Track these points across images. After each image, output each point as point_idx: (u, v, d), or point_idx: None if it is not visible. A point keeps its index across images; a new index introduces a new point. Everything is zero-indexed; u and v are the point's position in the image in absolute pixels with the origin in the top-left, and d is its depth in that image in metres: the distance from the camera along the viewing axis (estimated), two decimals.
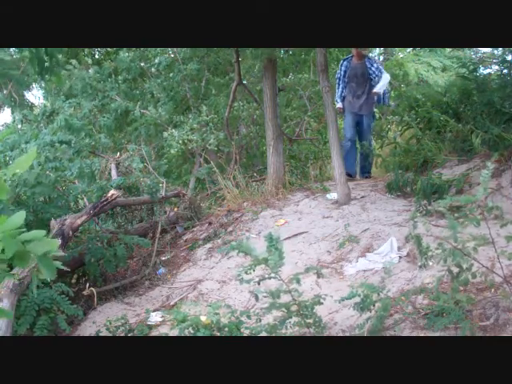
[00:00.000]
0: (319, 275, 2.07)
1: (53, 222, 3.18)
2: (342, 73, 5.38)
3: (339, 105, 5.43)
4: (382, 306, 1.94)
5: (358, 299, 1.98)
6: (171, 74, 6.36)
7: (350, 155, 5.40)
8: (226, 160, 6.24)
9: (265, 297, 1.86)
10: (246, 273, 1.90)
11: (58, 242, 1.14)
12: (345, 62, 5.36)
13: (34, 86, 8.30)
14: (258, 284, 1.86)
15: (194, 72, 6.28)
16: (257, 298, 1.89)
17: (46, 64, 2.57)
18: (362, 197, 4.45)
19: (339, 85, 5.41)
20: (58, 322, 2.70)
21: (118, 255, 3.48)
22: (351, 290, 1.96)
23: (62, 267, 1.10)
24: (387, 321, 2.08)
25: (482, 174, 1.69)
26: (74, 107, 5.73)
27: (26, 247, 1.02)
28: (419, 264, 2.43)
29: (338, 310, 2.42)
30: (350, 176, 5.22)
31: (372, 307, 1.93)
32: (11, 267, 2.57)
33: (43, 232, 1.08)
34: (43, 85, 7.96)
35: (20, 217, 1.03)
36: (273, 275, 1.81)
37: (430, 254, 1.93)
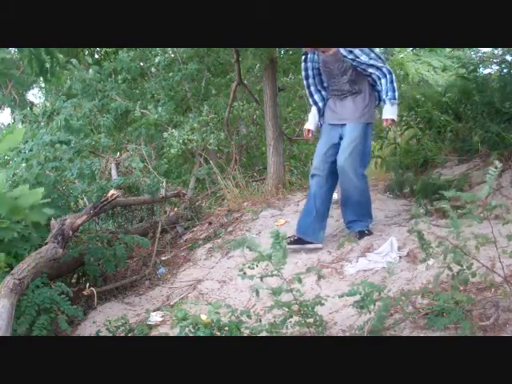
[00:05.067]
0: (320, 277, 2.07)
1: (53, 221, 3.18)
2: (311, 72, 3.44)
3: (309, 125, 3.56)
4: (382, 305, 1.94)
5: (358, 297, 1.97)
6: (171, 74, 6.37)
7: (313, 203, 3.33)
8: (226, 160, 6.24)
9: (266, 289, 1.86)
10: (249, 267, 1.90)
11: (41, 189, 1.36)
12: (310, 56, 3.42)
13: (34, 86, 8.30)
14: (261, 280, 1.86)
15: (194, 72, 6.28)
16: (257, 294, 1.88)
17: (46, 65, 2.58)
18: None
19: (312, 92, 3.48)
20: (59, 322, 2.70)
21: (118, 255, 3.48)
22: (352, 288, 1.96)
23: (49, 212, 1.35)
24: (387, 321, 2.08)
25: (489, 171, 1.68)
26: (74, 107, 5.73)
27: (16, 202, 1.25)
28: (420, 259, 2.43)
29: (338, 310, 2.42)
30: (303, 242, 3.31)
31: (372, 306, 1.93)
32: (11, 267, 2.58)
33: (26, 186, 1.30)
34: (43, 85, 7.97)
35: (2, 178, 1.30)
36: (275, 272, 1.81)
37: (430, 250, 1.92)
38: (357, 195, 3.26)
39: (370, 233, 3.32)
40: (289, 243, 3.23)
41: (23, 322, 2.55)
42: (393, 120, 3.26)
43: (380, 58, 3.29)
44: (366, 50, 3.23)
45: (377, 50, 3.34)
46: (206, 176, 5.65)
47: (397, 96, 3.22)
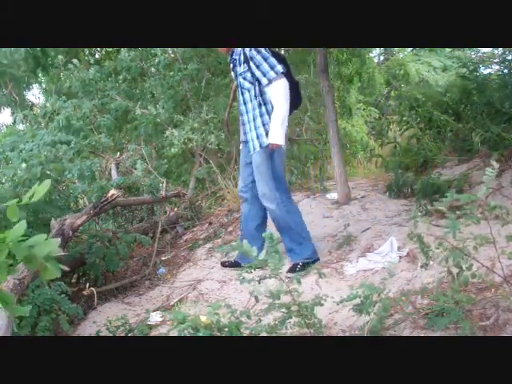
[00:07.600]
0: (320, 275, 2.07)
1: (53, 221, 3.18)
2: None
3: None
4: (382, 306, 1.94)
5: (357, 301, 1.97)
6: (171, 73, 6.36)
7: (244, 226, 3.29)
8: (226, 160, 6.24)
9: (264, 292, 1.86)
10: (246, 272, 1.90)
11: (58, 241, 1.28)
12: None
13: (34, 85, 8.30)
14: (258, 283, 1.86)
15: (194, 72, 6.27)
16: (257, 300, 1.89)
17: (40, 62, 2.62)
18: (362, 197, 4.45)
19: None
20: (61, 323, 2.69)
21: (121, 252, 3.49)
22: (351, 292, 1.96)
23: (63, 267, 1.22)
24: (387, 321, 2.08)
25: (487, 172, 1.68)
26: (74, 107, 5.73)
27: (31, 251, 1.17)
28: (420, 264, 2.44)
29: (338, 311, 2.42)
30: (237, 265, 3.24)
31: (372, 308, 1.93)
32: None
33: (44, 236, 1.22)
34: (43, 85, 7.96)
35: (21, 227, 1.19)
36: (273, 276, 1.81)
37: (430, 253, 1.92)
38: (282, 221, 3.05)
39: (303, 267, 2.86)
40: (225, 265, 3.39)
41: (25, 326, 2.54)
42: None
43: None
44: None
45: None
46: (206, 176, 5.65)
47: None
